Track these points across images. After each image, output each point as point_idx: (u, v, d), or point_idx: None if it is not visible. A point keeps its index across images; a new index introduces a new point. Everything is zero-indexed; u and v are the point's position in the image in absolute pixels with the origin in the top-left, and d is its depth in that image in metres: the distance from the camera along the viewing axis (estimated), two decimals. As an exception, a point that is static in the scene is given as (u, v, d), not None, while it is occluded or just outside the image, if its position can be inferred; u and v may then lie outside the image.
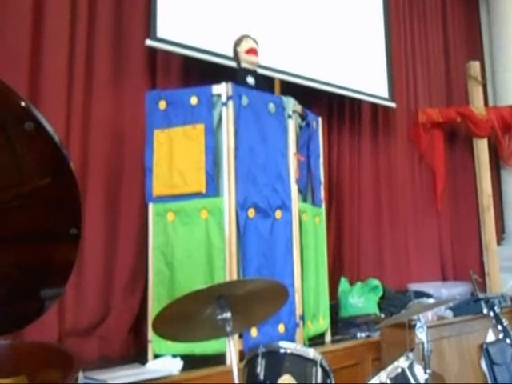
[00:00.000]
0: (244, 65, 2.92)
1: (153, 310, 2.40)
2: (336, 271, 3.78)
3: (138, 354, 2.58)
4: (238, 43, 2.94)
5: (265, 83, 3.01)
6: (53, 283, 1.27)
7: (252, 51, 2.91)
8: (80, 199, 1.15)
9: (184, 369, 2.22)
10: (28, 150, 1.04)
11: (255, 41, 2.96)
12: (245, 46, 2.91)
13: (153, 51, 3.08)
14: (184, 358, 2.29)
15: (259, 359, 1.62)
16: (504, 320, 2.24)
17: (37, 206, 1.13)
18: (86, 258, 2.69)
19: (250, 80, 2.87)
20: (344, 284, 3.57)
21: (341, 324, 3.27)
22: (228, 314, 1.48)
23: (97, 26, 2.91)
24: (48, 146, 1.02)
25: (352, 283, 3.61)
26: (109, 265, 2.79)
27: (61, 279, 1.27)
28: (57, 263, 1.23)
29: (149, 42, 2.93)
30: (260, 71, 3.34)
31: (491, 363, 2.74)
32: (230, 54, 3.09)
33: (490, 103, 5.57)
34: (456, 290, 4.05)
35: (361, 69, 4.19)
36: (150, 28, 2.96)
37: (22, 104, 0.95)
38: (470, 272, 3.36)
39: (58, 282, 1.27)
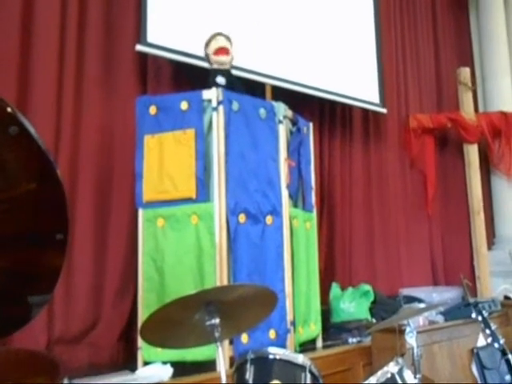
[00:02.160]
0: (214, 65, 2.85)
1: (142, 317, 2.37)
2: (327, 276, 3.78)
3: (127, 361, 2.56)
4: (207, 44, 2.86)
5: (239, 83, 2.92)
6: (39, 289, 1.26)
7: (221, 51, 2.82)
8: (66, 204, 1.14)
9: (174, 376, 2.21)
10: (13, 154, 1.03)
11: (227, 38, 2.87)
12: (214, 46, 2.83)
13: (143, 56, 3.08)
14: (174, 364, 2.27)
15: (248, 365, 1.61)
16: (492, 324, 2.25)
17: (23, 211, 1.12)
18: (75, 264, 2.66)
19: (220, 80, 2.79)
20: (335, 289, 3.57)
21: (332, 329, 3.26)
22: (216, 320, 1.47)
23: (87, 30, 2.91)
24: (34, 151, 1.01)
25: (343, 288, 3.61)
26: (98, 271, 2.77)
27: (47, 286, 1.25)
28: (43, 269, 1.22)
29: (139, 47, 2.93)
30: (251, 76, 3.36)
31: (482, 368, 2.75)
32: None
33: (480, 109, 5.63)
34: (447, 295, 4.06)
35: (352, 74, 4.21)
36: (140, 33, 2.96)
37: (8, 110, 0.95)
38: (461, 276, 3.37)
39: (44, 288, 1.26)
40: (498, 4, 5.59)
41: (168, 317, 1.47)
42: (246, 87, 2.93)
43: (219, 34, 2.87)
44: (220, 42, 2.84)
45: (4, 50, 2.54)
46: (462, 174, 5.27)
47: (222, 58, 2.83)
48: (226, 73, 2.84)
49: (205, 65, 3.16)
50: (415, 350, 1.96)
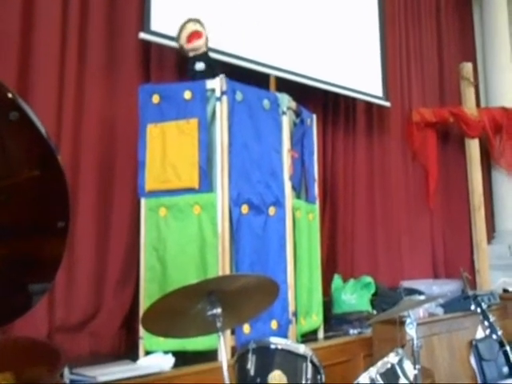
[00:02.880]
0: (191, 53, 2.76)
1: (144, 306, 2.38)
2: (329, 268, 3.79)
3: (129, 351, 2.57)
4: (178, 37, 2.77)
5: (218, 65, 2.83)
6: (40, 277, 1.26)
7: (192, 36, 2.73)
8: (68, 192, 1.13)
9: (176, 365, 2.21)
10: (15, 141, 1.03)
11: (196, 21, 2.77)
12: (184, 35, 2.75)
13: (147, 44, 3.06)
14: (176, 354, 2.28)
15: (249, 355, 1.61)
16: (491, 316, 2.26)
17: (24, 199, 1.11)
18: (77, 253, 2.66)
19: (199, 66, 2.70)
20: (337, 281, 3.57)
21: (333, 320, 3.28)
22: (218, 310, 1.47)
23: (90, 18, 2.88)
24: (35, 137, 1.01)
25: (345, 280, 3.62)
26: (100, 260, 2.77)
27: (48, 273, 1.25)
28: (44, 257, 1.22)
29: (142, 35, 2.90)
30: (255, 67, 3.34)
31: (480, 359, 2.76)
32: (225, 48, 3.07)
33: (482, 104, 5.62)
34: (447, 288, 4.07)
35: (356, 67, 4.19)
36: (143, 21, 2.93)
37: (9, 95, 0.94)
38: (461, 270, 3.38)
39: (45, 276, 1.26)
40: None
41: (170, 306, 1.47)
42: (226, 69, 2.78)
43: (187, 21, 2.78)
44: (189, 28, 2.74)
45: (5, 37, 2.51)
46: (464, 168, 5.27)
47: (195, 43, 2.73)
48: (203, 57, 2.74)
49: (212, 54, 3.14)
50: (415, 341, 1.97)
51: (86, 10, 2.87)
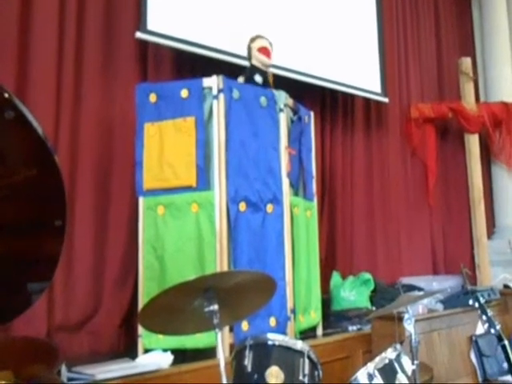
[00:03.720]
0: (254, 62, 2.88)
1: (142, 305, 2.38)
2: (328, 265, 3.79)
3: (128, 349, 2.58)
4: (252, 40, 2.91)
5: (274, 85, 2.94)
6: (38, 276, 1.26)
7: (264, 50, 2.87)
8: (65, 191, 1.14)
9: (174, 363, 2.22)
10: (11, 140, 1.03)
11: (270, 43, 2.93)
12: (259, 43, 2.87)
13: (144, 44, 3.06)
14: (175, 352, 2.28)
15: (247, 351, 1.61)
16: (489, 311, 2.26)
17: (22, 198, 1.12)
18: (75, 252, 2.67)
19: (258, 78, 2.83)
20: (336, 278, 3.58)
21: (332, 317, 3.29)
22: (215, 307, 1.47)
23: (87, 17, 2.88)
24: (32, 137, 1.01)
25: (344, 277, 3.62)
26: (99, 259, 2.77)
27: (46, 272, 1.26)
28: (42, 256, 1.23)
29: (139, 35, 2.91)
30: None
31: (480, 355, 2.77)
32: (222, 47, 3.07)
33: (482, 99, 5.62)
34: (447, 283, 4.07)
35: (354, 63, 4.19)
36: (140, 20, 2.94)
37: (6, 95, 0.94)
38: (461, 265, 3.38)
39: (43, 274, 1.27)
40: (499, -7, 5.56)
41: (167, 303, 1.48)
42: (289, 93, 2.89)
43: (264, 37, 2.93)
44: (264, 42, 2.89)
45: (2, 35, 2.52)
46: (463, 163, 5.27)
47: (264, 58, 2.87)
48: (264, 74, 2.86)
49: (205, 52, 3.14)
50: (413, 337, 1.97)
51: (83, 10, 2.88)
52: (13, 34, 2.56)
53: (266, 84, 2.84)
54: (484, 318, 2.23)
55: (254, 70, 2.86)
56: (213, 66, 3.07)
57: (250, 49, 2.91)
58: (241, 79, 2.79)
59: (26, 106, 0.98)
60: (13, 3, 2.57)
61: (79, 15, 2.85)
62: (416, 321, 2.06)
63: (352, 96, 4.35)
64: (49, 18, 2.69)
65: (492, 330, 2.21)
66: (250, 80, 2.77)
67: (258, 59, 2.87)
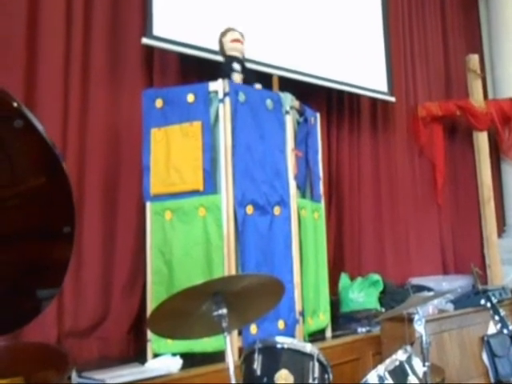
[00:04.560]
0: (230, 53, 2.88)
1: (151, 310, 2.39)
2: (336, 266, 3.78)
3: (137, 354, 2.58)
4: (223, 34, 2.91)
5: (251, 74, 2.96)
6: (48, 283, 1.27)
7: (237, 41, 2.89)
8: (73, 198, 1.15)
9: (184, 367, 2.22)
10: (20, 148, 1.04)
11: (241, 34, 2.93)
12: (230, 36, 2.88)
13: (149, 49, 3.07)
14: (184, 356, 2.29)
15: (256, 355, 1.62)
16: (501, 310, 2.24)
17: (31, 205, 1.13)
18: (84, 258, 2.68)
19: (236, 66, 2.82)
20: (344, 279, 3.56)
21: (341, 319, 3.27)
22: (224, 310, 1.48)
23: (93, 23, 2.90)
24: (40, 145, 1.02)
25: (353, 278, 3.61)
26: (107, 265, 2.79)
27: (56, 279, 1.27)
28: (51, 262, 1.23)
29: (145, 40, 2.92)
30: (258, 67, 3.34)
31: (492, 355, 2.74)
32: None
33: (490, 96, 5.55)
34: (457, 283, 4.03)
35: (359, 63, 4.17)
36: (146, 26, 2.95)
37: (15, 105, 0.96)
38: (471, 265, 3.36)
39: (53, 281, 1.27)
40: (508, -10, 5.50)
41: (175, 308, 1.48)
42: (258, 79, 2.94)
43: (233, 28, 2.94)
44: (236, 34, 2.90)
45: (10, 44, 2.54)
46: (472, 161, 5.21)
47: (239, 45, 2.88)
48: (240, 61, 2.87)
49: (211, 56, 3.15)
50: (424, 338, 1.96)
51: (89, 17, 2.90)
52: (20, 42, 2.58)
53: (243, 72, 2.84)
54: (496, 318, 2.21)
55: (230, 59, 2.86)
56: (219, 70, 3.08)
57: (222, 43, 2.91)
58: (220, 81, 2.56)
59: (33, 113, 0.99)
60: (20, 11, 2.60)
61: (85, 22, 2.87)
62: (426, 321, 2.05)
63: (358, 96, 4.33)
64: (55, 24, 2.71)
65: (505, 331, 2.19)
66: (228, 72, 2.76)
67: (234, 49, 2.88)
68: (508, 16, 5.46)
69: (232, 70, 2.79)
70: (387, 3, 4.55)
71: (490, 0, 5.65)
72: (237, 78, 2.78)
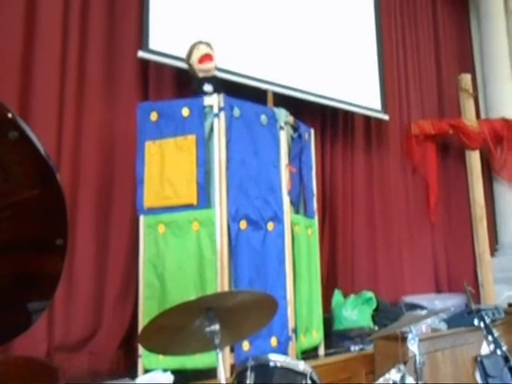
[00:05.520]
0: (201, 74, 2.81)
1: (143, 324, 2.36)
2: (330, 283, 3.76)
3: (128, 369, 2.55)
4: (189, 55, 2.82)
5: (221, 86, 2.87)
6: (39, 295, 1.25)
7: (205, 58, 2.78)
8: (66, 210, 1.14)
9: (175, 383, 2.19)
10: (14, 160, 1.03)
11: (208, 44, 2.83)
12: (196, 55, 2.79)
13: (145, 62, 3.09)
14: (175, 372, 2.25)
15: (248, 372, 1.59)
16: (495, 331, 2.22)
17: (24, 217, 1.11)
18: (76, 270, 2.66)
19: (208, 88, 2.76)
20: (338, 296, 3.54)
21: (334, 337, 3.24)
22: (216, 327, 1.45)
23: (89, 36, 2.92)
24: (34, 157, 1.01)
25: (346, 295, 3.58)
26: (99, 278, 2.76)
27: (47, 291, 1.25)
28: (43, 275, 1.22)
29: (141, 54, 2.94)
30: (253, 83, 3.37)
31: (486, 376, 2.71)
32: (222, 65, 3.10)
33: (482, 115, 5.63)
34: (450, 302, 4.02)
35: (353, 81, 4.21)
36: (142, 40, 2.97)
37: (9, 115, 0.95)
38: (464, 283, 3.34)
39: (44, 294, 1.25)
40: (499, 10, 5.61)
41: (168, 323, 1.46)
42: (226, 87, 2.84)
43: (199, 42, 2.83)
44: (202, 49, 2.80)
45: (6, 55, 2.55)
46: (464, 180, 5.26)
47: (208, 65, 2.79)
48: (212, 79, 2.81)
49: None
50: (417, 357, 1.94)
51: (86, 29, 2.92)
52: (16, 54, 2.59)
53: (215, 90, 2.72)
54: (490, 338, 2.20)
55: (201, 81, 2.78)
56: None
57: (190, 65, 2.83)
58: (215, 95, 2.57)
59: (28, 124, 0.98)
60: (16, 21, 2.61)
61: (82, 34, 2.89)
62: (420, 340, 2.03)
63: (352, 113, 4.37)
64: (52, 36, 2.73)
65: (498, 351, 2.17)
66: (198, 93, 2.70)
67: (202, 70, 2.79)
68: (499, 36, 5.56)
69: (204, 93, 2.71)
70: (380, 22, 4.62)
71: (481, 20, 5.76)
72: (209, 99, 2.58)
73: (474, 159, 5.17)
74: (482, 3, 5.70)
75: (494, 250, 5.33)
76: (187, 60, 2.85)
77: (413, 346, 1.99)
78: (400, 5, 5.19)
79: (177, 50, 3.07)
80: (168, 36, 3.05)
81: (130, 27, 3.09)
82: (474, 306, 3.09)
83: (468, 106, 5.22)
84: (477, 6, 5.88)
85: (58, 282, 1.22)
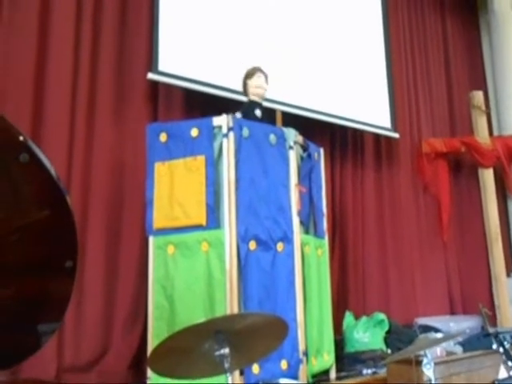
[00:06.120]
0: (252, 98, 2.91)
1: (152, 345, 2.34)
2: (340, 305, 3.70)
3: (137, 391, 2.52)
4: (249, 76, 2.90)
5: (269, 115, 3.01)
6: (48, 317, 1.25)
7: (261, 87, 2.90)
8: (76, 232, 1.14)
9: (183, 407, 2.15)
10: (25, 183, 1.04)
11: (266, 76, 2.94)
12: (256, 81, 2.88)
13: (155, 84, 3.13)
14: (184, 395, 2.21)
15: (258, 398, 1.56)
16: (514, 356, 2.16)
17: (34, 239, 1.12)
18: (85, 291, 2.66)
19: (258, 112, 2.85)
20: (349, 318, 3.48)
21: (346, 360, 3.17)
22: (226, 350, 1.43)
23: (99, 58, 2.98)
24: (45, 179, 1.02)
25: (357, 317, 3.52)
26: (109, 299, 2.76)
27: (57, 313, 1.24)
28: (52, 297, 1.21)
29: (150, 76, 2.98)
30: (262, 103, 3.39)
31: (503, 401, 2.63)
32: (231, 86, 3.12)
33: (495, 132, 5.55)
34: (465, 324, 3.93)
35: (363, 99, 4.22)
36: (151, 62, 3.02)
37: (21, 138, 0.96)
38: (479, 305, 3.26)
39: (53, 316, 1.25)
40: (510, 25, 5.54)
41: (177, 346, 1.44)
42: (273, 118, 2.99)
43: (260, 70, 2.92)
44: (261, 81, 2.89)
45: (19, 79, 2.60)
46: (478, 199, 5.16)
47: (261, 92, 2.90)
48: (261, 107, 2.90)
49: (215, 92, 3.19)
50: (433, 382, 1.89)
51: (97, 52, 2.97)
52: (29, 78, 2.64)
53: (264, 117, 2.86)
54: (510, 363, 2.13)
55: (253, 104, 2.87)
56: (223, 104, 3.12)
57: (245, 85, 2.90)
58: (238, 114, 2.74)
59: (39, 146, 0.99)
60: (29, 46, 2.66)
61: (93, 57, 2.94)
62: (435, 364, 1.98)
63: (362, 132, 4.36)
64: (63, 58, 2.78)
65: (519, 378, 2.10)
66: (249, 114, 2.78)
67: (256, 94, 2.88)
68: (510, 51, 5.48)
69: (255, 116, 2.80)
70: (390, 40, 4.63)
71: (493, 37, 5.69)
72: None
73: (488, 177, 5.09)
74: (491, 18, 5.66)
75: (510, 269, 5.21)
76: (245, 79, 2.91)
77: (428, 371, 1.93)
78: (409, 21, 5.20)
79: (186, 72, 3.11)
80: (177, 57, 3.10)
81: (140, 49, 3.14)
82: (491, 329, 3.01)
83: (480, 124, 5.15)
84: (487, 21, 5.84)
85: (68, 305, 1.21)
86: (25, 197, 1.05)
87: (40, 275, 1.14)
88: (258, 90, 2.88)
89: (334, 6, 4.17)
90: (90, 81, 2.90)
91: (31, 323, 1.20)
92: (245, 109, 2.84)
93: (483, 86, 5.73)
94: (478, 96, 5.24)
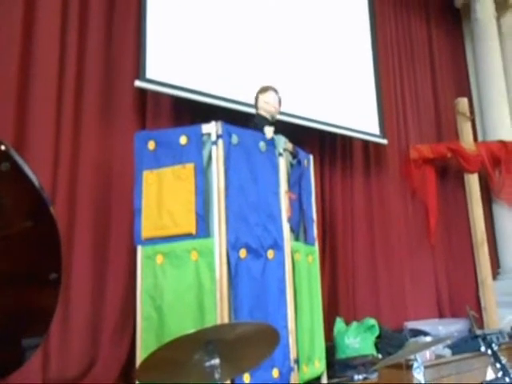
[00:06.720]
0: (262, 113, 2.92)
1: (141, 357, 2.30)
2: (331, 311, 3.70)
3: (126, 403, 2.48)
4: (262, 91, 2.95)
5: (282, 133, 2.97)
6: (32, 331, 1.22)
7: (272, 106, 2.93)
8: (60, 243, 1.12)
9: (173, 418, 2.11)
10: (7, 192, 1.02)
11: (279, 98, 2.97)
12: (268, 97, 2.92)
13: (142, 91, 3.11)
14: (173, 406, 2.18)
15: (250, 408, 1.54)
16: (502, 358, 2.17)
17: (17, 250, 1.09)
18: (72, 303, 2.61)
19: (268, 130, 2.80)
20: (339, 324, 3.48)
21: (337, 366, 3.16)
22: (216, 360, 1.41)
23: (86, 65, 2.95)
24: (27, 189, 1.00)
25: (348, 323, 3.52)
26: (96, 310, 2.71)
27: (41, 327, 1.22)
28: (36, 310, 1.19)
29: (138, 83, 2.96)
30: (251, 110, 3.38)
31: (493, 404, 2.64)
32: (220, 93, 3.11)
33: (480, 138, 5.65)
34: (453, 327, 3.96)
35: (352, 106, 4.25)
36: (139, 69, 3.00)
37: (2, 148, 0.94)
38: (467, 308, 3.29)
39: (37, 330, 1.22)
40: (493, 33, 5.66)
41: (166, 358, 1.42)
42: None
43: (275, 90, 2.96)
44: (271, 96, 2.92)
45: (2, 84, 2.56)
46: (464, 203, 5.24)
47: (271, 110, 2.93)
48: (271, 124, 2.88)
49: (204, 99, 3.19)
50: (423, 387, 1.89)
51: (83, 58, 2.95)
52: (12, 81, 2.59)
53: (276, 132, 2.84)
54: (497, 365, 2.14)
55: (262, 120, 2.88)
56: (212, 112, 3.11)
57: (257, 99, 2.94)
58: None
59: (23, 155, 0.98)
60: (13, 49, 2.62)
61: (79, 64, 2.92)
62: (425, 367, 1.99)
63: (351, 138, 4.38)
64: (49, 65, 2.74)
65: (507, 379, 2.11)
66: (257, 129, 2.78)
67: (265, 110, 2.92)
68: (494, 59, 5.59)
69: (262, 132, 2.77)
70: (378, 49, 4.68)
71: (476, 45, 5.79)
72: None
73: (473, 182, 5.17)
74: (475, 26, 5.77)
75: (496, 273, 5.27)
76: (258, 93, 2.95)
77: (419, 375, 1.94)
78: (396, 30, 5.28)
79: (174, 79, 3.10)
80: (165, 65, 3.08)
81: (128, 56, 3.12)
82: (478, 331, 3.03)
83: (465, 130, 5.24)
84: (471, 30, 5.95)
85: (52, 318, 1.18)
86: (6, 206, 1.03)
87: (23, 288, 1.12)
88: (266, 105, 2.91)
89: (322, 14, 4.20)
90: (77, 88, 2.87)
91: (14, 337, 1.17)
92: (254, 122, 2.86)
93: (468, 93, 5.82)
94: (462, 103, 5.33)
